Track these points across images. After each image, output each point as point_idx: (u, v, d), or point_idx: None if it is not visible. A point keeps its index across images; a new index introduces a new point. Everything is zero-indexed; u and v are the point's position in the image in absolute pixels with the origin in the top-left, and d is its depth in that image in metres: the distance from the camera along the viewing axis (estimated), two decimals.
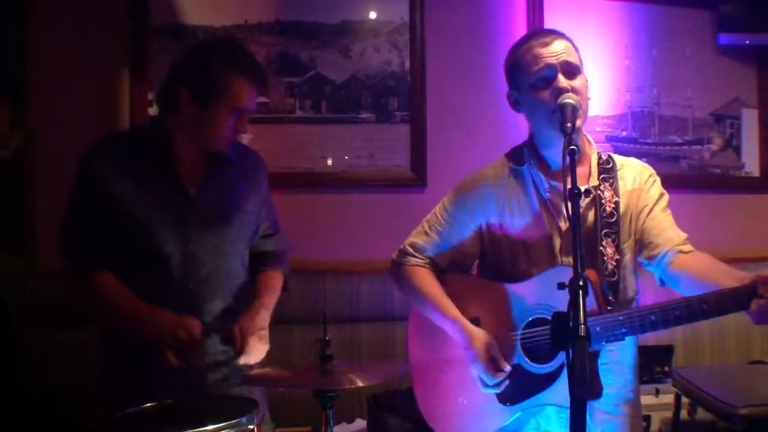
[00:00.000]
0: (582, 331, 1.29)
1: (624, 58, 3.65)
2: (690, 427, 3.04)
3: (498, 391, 1.80)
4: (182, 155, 2.00)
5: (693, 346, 3.50)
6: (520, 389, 1.79)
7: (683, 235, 1.82)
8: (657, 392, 3.20)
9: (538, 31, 1.90)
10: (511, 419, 1.83)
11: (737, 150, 3.79)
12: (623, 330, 1.63)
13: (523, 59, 1.81)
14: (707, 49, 3.72)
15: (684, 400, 3.01)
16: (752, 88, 3.79)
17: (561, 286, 1.38)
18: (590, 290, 1.63)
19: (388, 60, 3.43)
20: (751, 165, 3.80)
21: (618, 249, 1.79)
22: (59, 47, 3.20)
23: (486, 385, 1.80)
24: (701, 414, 2.94)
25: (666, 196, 1.88)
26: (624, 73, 3.64)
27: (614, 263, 1.77)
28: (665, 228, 1.82)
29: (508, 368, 1.78)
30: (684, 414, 3.04)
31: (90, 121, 3.15)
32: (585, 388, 1.26)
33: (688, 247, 1.80)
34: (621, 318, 1.63)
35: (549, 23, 3.50)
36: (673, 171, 3.67)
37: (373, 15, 3.42)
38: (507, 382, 1.79)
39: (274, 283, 2.16)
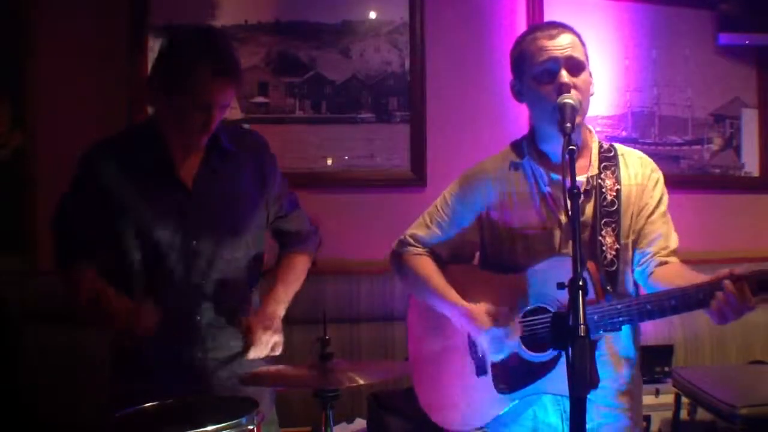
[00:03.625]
0: (582, 331, 1.29)
1: (624, 58, 3.65)
2: (690, 427, 3.04)
3: (516, 341, 1.79)
4: (176, 150, 1.98)
5: (693, 346, 3.50)
6: (517, 377, 1.80)
7: (672, 246, 1.81)
8: (657, 392, 3.20)
9: (546, 23, 1.89)
10: (508, 408, 1.83)
11: (737, 150, 3.80)
12: (620, 319, 1.64)
13: (528, 50, 1.80)
14: (707, 49, 3.72)
15: (684, 400, 3.01)
16: (752, 88, 3.79)
17: (561, 285, 1.38)
18: (588, 281, 1.65)
19: (388, 60, 3.43)
20: (751, 165, 3.80)
21: (618, 240, 1.78)
22: (59, 47, 3.20)
23: (502, 340, 1.79)
24: (701, 414, 2.95)
25: (666, 197, 1.87)
26: (624, 73, 3.64)
27: (613, 252, 1.77)
28: (658, 236, 1.81)
29: (517, 319, 1.78)
30: (684, 414, 3.04)
31: (90, 120, 3.15)
32: (585, 387, 1.26)
33: (673, 258, 1.79)
34: (619, 307, 1.64)
35: None
36: (673, 171, 3.67)
37: (373, 15, 3.42)
38: (518, 334, 1.78)
39: (292, 269, 2.12)
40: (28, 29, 3.18)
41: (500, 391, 1.83)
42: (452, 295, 1.89)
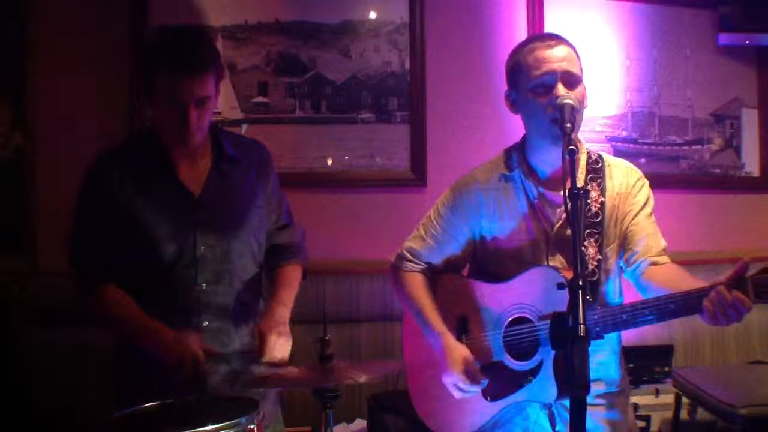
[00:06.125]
0: (581, 332, 1.30)
1: (624, 58, 3.64)
2: (690, 427, 3.04)
3: (470, 395, 1.87)
4: (176, 154, 1.98)
5: (693, 346, 3.50)
6: (502, 386, 1.86)
7: (662, 245, 1.85)
8: (657, 392, 3.20)
9: (542, 35, 1.92)
10: (498, 413, 1.88)
11: (737, 150, 3.79)
12: (597, 329, 1.67)
13: (525, 61, 1.81)
14: (707, 49, 3.72)
15: (684, 400, 3.01)
16: (752, 88, 3.79)
17: (561, 286, 1.39)
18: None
19: (388, 60, 3.43)
20: (751, 165, 3.80)
21: (600, 250, 1.81)
22: (59, 47, 3.20)
23: (461, 391, 1.87)
24: (701, 414, 2.95)
25: (652, 201, 1.90)
26: (624, 73, 3.64)
27: (595, 263, 1.80)
28: (646, 236, 1.84)
29: (483, 384, 1.85)
30: (684, 414, 3.04)
31: (90, 121, 3.15)
32: (583, 387, 1.28)
33: (664, 258, 1.82)
34: (595, 317, 1.67)
35: (549, 23, 3.50)
36: (673, 171, 3.67)
37: (373, 15, 3.42)
38: (480, 388, 1.85)
39: (292, 276, 2.13)
40: (28, 29, 3.18)
41: (487, 399, 1.88)
42: (437, 323, 1.95)
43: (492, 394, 1.87)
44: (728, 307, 1.52)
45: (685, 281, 1.68)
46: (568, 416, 1.77)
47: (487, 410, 1.88)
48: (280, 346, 1.92)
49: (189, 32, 2.06)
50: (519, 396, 1.83)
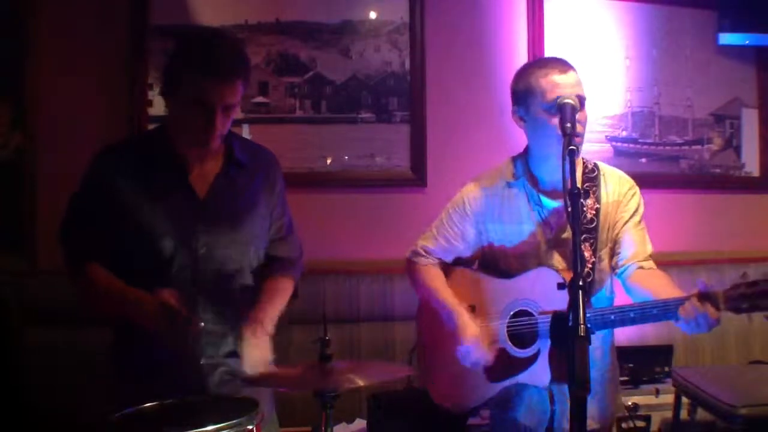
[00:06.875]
0: (582, 331, 1.34)
1: (624, 58, 3.64)
2: (690, 427, 3.04)
3: (477, 366, 2.06)
4: (189, 156, 1.99)
5: (693, 346, 3.50)
6: (503, 369, 2.06)
7: (648, 251, 2.04)
8: (657, 392, 3.21)
9: (553, 61, 2.02)
10: (497, 393, 2.08)
11: (737, 150, 3.80)
12: (588, 326, 1.74)
13: (539, 84, 1.95)
14: (707, 49, 3.72)
15: (684, 400, 3.01)
16: (752, 88, 3.79)
17: (561, 285, 1.45)
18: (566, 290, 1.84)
19: (388, 60, 3.43)
20: (751, 165, 3.81)
21: (595, 253, 2.00)
22: (59, 47, 3.20)
23: (470, 362, 2.04)
24: (701, 414, 2.95)
25: (642, 209, 2.07)
26: (624, 72, 3.64)
27: (590, 266, 1.98)
28: (634, 243, 2.02)
29: (489, 358, 2.04)
30: (684, 414, 3.04)
31: (90, 121, 3.15)
32: (584, 387, 1.31)
33: (649, 264, 2.02)
34: (588, 315, 1.75)
35: (549, 23, 3.50)
36: (673, 171, 3.67)
37: (373, 15, 3.42)
38: (485, 362, 2.05)
39: (281, 288, 2.12)
40: (28, 29, 3.18)
41: (490, 380, 2.07)
42: (453, 304, 2.12)
43: (493, 375, 2.06)
44: (699, 316, 1.75)
45: (666, 286, 1.90)
46: (566, 397, 1.90)
47: (488, 389, 2.08)
48: (262, 360, 1.91)
49: (226, 37, 2.07)
50: (517, 379, 2.03)
